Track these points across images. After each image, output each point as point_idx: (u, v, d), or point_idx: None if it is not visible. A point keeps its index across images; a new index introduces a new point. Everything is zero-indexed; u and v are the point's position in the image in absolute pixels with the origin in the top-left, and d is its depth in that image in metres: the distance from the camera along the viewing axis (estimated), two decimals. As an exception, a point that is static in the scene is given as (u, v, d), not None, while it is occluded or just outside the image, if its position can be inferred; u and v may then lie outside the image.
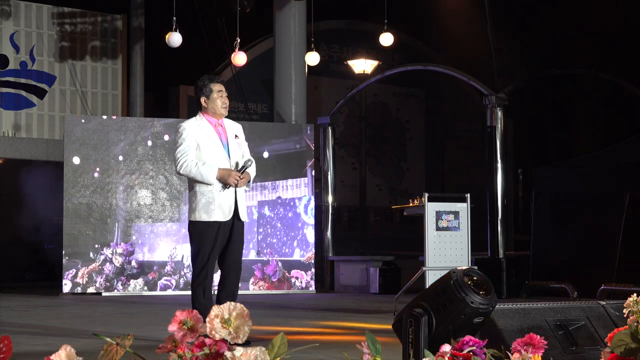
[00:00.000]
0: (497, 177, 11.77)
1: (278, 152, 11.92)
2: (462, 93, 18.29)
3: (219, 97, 5.89)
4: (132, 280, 11.30)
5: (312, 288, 11.99)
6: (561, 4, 17.45)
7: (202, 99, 5.92)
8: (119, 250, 11.20)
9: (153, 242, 11.47)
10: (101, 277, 11.17)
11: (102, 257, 11.16)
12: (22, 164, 14.45)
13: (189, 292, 5.97)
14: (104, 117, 12.26)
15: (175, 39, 11.78)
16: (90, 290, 11.12)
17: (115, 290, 11.20)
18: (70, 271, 11.08)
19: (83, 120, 11.88)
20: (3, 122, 14.44)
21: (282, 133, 12.12)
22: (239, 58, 12.35)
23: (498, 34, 12.89)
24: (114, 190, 11.52)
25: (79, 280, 11.08)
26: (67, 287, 11.07)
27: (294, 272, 11.92)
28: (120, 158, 11.56)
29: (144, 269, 11.35)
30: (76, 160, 11.32)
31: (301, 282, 11.92)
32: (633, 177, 10.42)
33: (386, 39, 12.74)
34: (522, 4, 18.36)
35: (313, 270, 12.05)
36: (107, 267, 11.19)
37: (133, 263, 11.29)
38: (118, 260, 11.18)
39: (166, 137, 11.64)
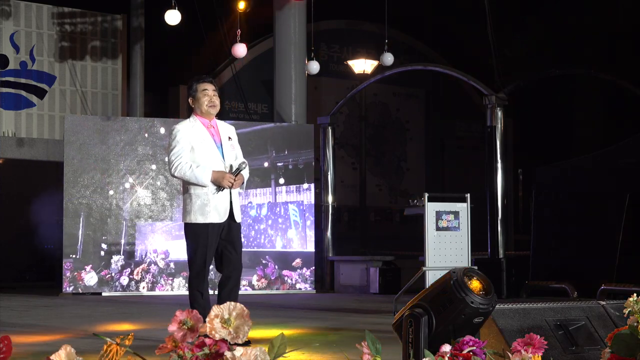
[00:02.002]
0: (497, 177, 11.77)
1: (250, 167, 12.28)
2: (462, 93, 18.29)
3: (203, 96, 5.82)
4: (175, 279, 11.59)
5: (300, 284, 12.12)
6: (561, 4, 17.45)
7: (190, 100, 5.89)
8: (161, 255, 11.57)
9: (167, 242, 11.69)
10: (150, 275, 11.57)
11: (148, 260, 11.59)
12: (22, 164, 14.45)
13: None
14: (108, 122, 12.24)
15: (173, 16, 11.71)
16: (142, 286, 11.51)
17: (160, 286, 11.57)
18: (127, 269, 11.48)
19: (83, 120, 11.90)
20: (3, 122, 14.45)
21: (253, 151, 12.29)
22: (239, 49, 12.25)
23: (498, 34, 12.89)
24: (114, 190, 11.52)
25: (134, 276, 11.49)
26: (124, 281, 11.46)
27: (284, 272, 12.18)
28: (121, 158, 11.56)
29: (179, 268, 11.55)
30: (77, 162, 11.45)
31: (292, 280, 12.15)
32: (633, 177, 10.41)
33: (387, 59, 12.72)
34: (522, 4, 18.36)
35: (300, 270, 12.18)
36: (153, 268, 11.62)
37: (172, 265, 11.59)
38: (161, 262, 11.60)
39: (166, 137, 11.65)
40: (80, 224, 11.37)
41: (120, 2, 15.48)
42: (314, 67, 12.72)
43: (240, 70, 15.71)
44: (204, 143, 5.78)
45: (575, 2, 17.12)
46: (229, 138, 5.92)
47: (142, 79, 15.46)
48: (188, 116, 6.00)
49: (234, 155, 5.89)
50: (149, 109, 15.71)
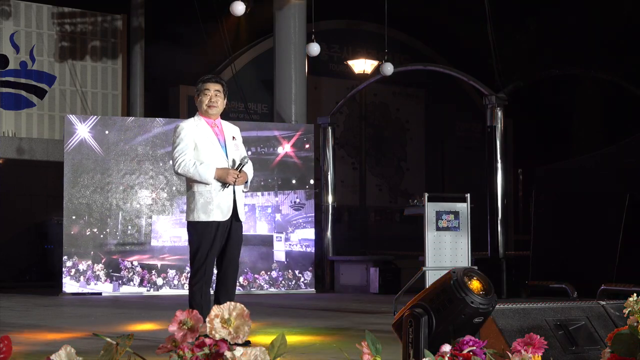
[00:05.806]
0: (497, 177, 11.77)
1: None
2: (462, 93, 18.29)
3: (203, 95, 5.85)
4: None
5: (266, 286, 12.15)
6: (561, 4, 17.45)
7: (195, 98, 5.94)
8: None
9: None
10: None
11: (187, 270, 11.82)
12: (22, 164, 14.45)
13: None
14: (108, 122, 12.25)
15: None
16: (186, 286, 11.71)
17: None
18: (177, 274, 11.67)
19: (83, 120, 11.90)
20: (3, 122, 14.45)
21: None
22: (237, 7, 11.68)
23: (498, 34, 12.89)
24: (114, 190, 11.52)
25: (182, 280, 11.69)
26: (175, 281, 11.66)
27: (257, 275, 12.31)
28: (121, 158, 11.56)
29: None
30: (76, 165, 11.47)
31: (263, 280, 12.18)
32: (633, 177, 10.41)
33: (387, 68, 12.70)
34: (522, 4, 18.37)
35: (267, 273, 12.26)
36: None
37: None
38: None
39: (166, 137, 11.64)
40: (118, 223, 11.45)
41: (120, 2, 15.48)
42: (315, 48, 12.45)
43: (240, 70, 15.71)
44: (208, 141, 5.79)
45: (575, 2, 17.12)
46: (233, 138, 5.94)
47: (142, 79, 15.46)
48: (194, 114, 6.01)
49: (238, 155, 5.90)
50: (149, 109, 15.71)
